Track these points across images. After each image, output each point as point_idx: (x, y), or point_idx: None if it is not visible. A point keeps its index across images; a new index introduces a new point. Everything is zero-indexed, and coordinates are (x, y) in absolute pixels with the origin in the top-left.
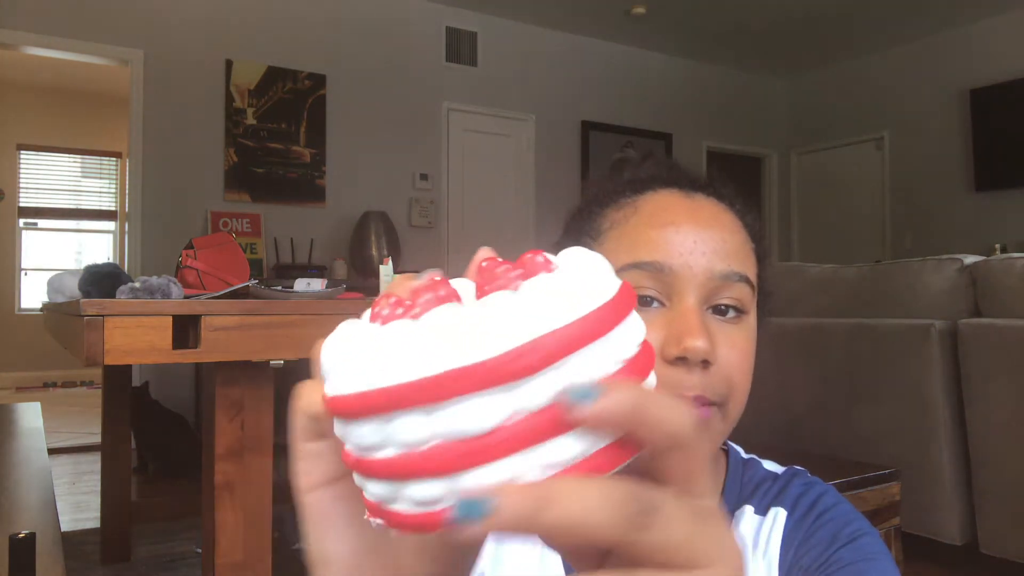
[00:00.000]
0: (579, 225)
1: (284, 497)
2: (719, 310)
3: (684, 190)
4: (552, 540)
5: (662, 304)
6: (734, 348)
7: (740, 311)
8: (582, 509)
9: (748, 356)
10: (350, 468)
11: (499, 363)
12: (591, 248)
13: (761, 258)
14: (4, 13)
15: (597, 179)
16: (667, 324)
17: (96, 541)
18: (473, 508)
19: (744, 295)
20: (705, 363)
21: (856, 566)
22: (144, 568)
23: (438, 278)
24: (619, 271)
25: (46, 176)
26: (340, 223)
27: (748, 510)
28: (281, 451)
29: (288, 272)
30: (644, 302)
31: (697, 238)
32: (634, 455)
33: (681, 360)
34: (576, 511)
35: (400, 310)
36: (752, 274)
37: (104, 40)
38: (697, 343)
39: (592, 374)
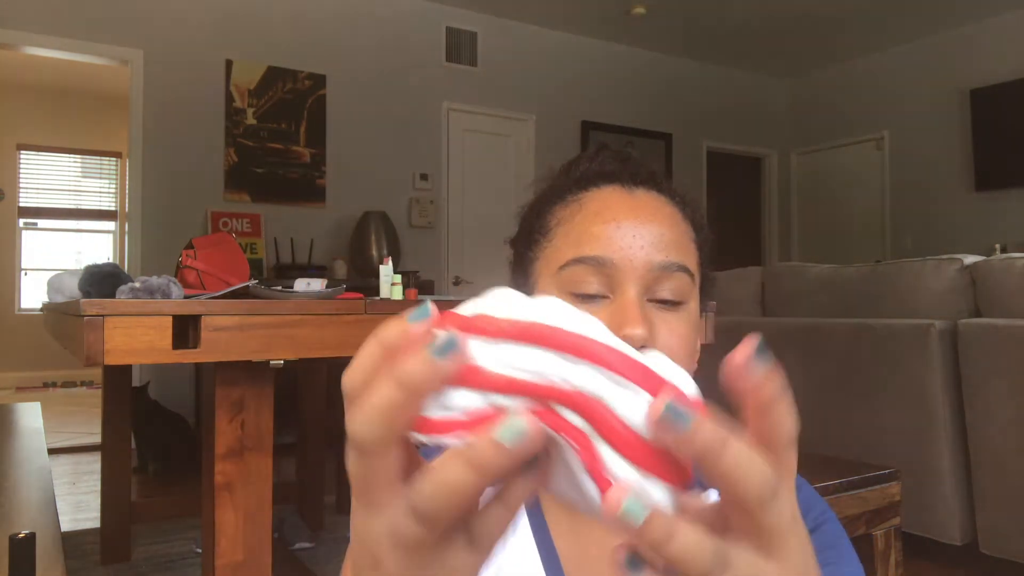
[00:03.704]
0: (530, 223)
1: (284, 497)
2: (660, 300)
3: (626, 186)
4: (711, 478)
5: (606, 297)
6: (673, 334)
7: (680, 300)
8: (742, 473)
9: (688, 341)
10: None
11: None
12: (541, 244)
13: (701, 247)
14: (4, 13)
15: (548, 175)
16: (609, 315)
17: (96, 541)
18: (682, 417)
19: (683, 284)
20: (644, 349)
21: (823, 554)
22: (144, 568)
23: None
24: (565, 266)
25: (46, 176)
26: (340, 223)
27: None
28: (281, 451)
29: (288, 272)
30: (589, 297)
31: (636, 232)
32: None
33: None
34: (738, 470)
35: None
36: (692, 264)
37: (104, 40)
38: (635, 331)
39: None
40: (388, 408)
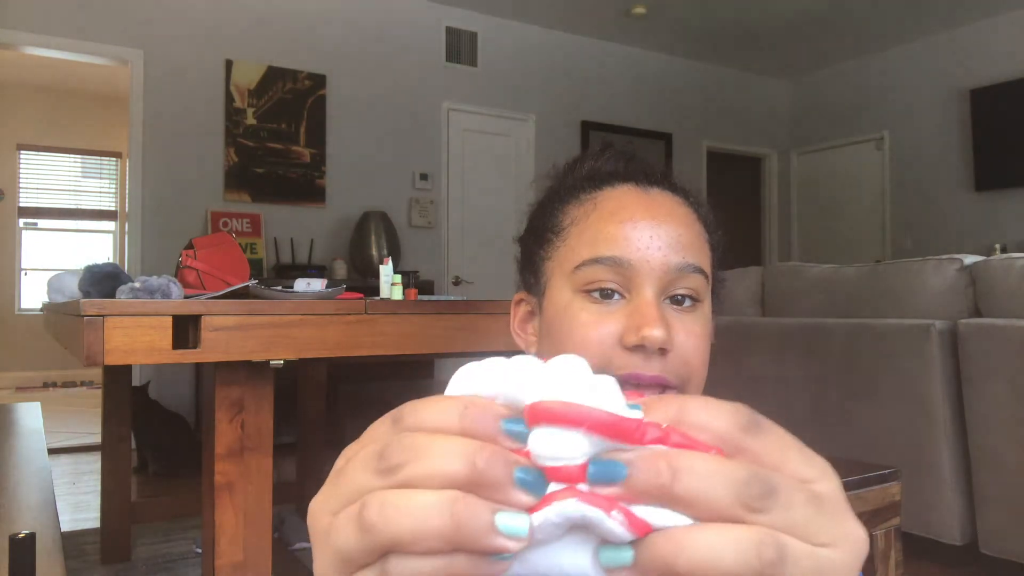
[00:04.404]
0: (540, 221)
1: (284, 497)
2: (676, 299)
3: (641, 185)
4: (681, 507)
5: (622, 296)
6: (690, 334)
7: (695, 300)
8: (705, 489)
9: (704, 341)
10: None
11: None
12: (554, 244)
13: (714, 247)
14: (4, 13)
15: (554, 173)
16: (627, 315)
17: (96, 541)
18: (609, 469)
19: (699, 285)
20: (662, 350)
21: None
22: (144, 568)
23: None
24: (580, 266)
25: (46, 176)
26: (340, 223)
27: None
28: (281, 451)
29: (288, 272)
30: (605, 295)
31: (653, 233)
32: None
33: (639, 348)
34: (699, 488)
35: None
36: (706, 264)
37: (104, 40)
38: (654, 332)
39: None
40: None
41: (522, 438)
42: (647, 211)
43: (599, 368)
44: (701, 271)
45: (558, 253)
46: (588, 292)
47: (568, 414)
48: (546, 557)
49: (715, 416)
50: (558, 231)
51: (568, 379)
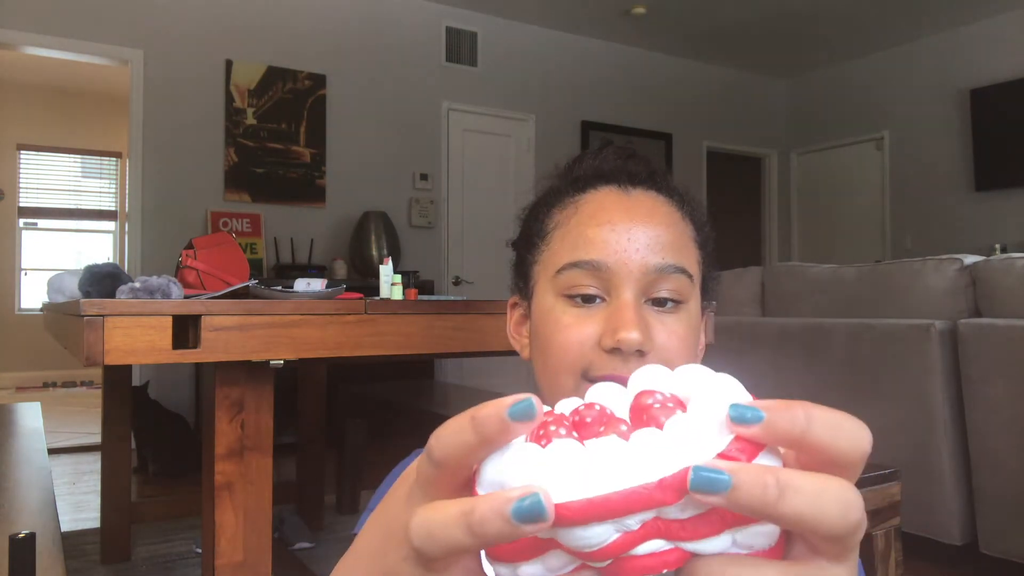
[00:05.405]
0: (529, 226)
1: (284, 497)
2: (658, 301)
3: (623, 186)
4: (788, 527)
5: (603, 300)
6: (672, 335)
7: (678, 301)
8: (818, 504)
9: (687, 342)
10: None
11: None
12: (539, 248)
13: (703, 246)
14: (4, 13)
15: (553, 173)
16: (605, 318)
17: (96, 541)
18: (714, 480)
19: (681, 285)
20: (640, 352)
21: None
22: (144, 568)
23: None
24: (561, 270)
25: (46, 176)
26: (340, 223)
27: None
28: (281, 451)
29: (288, 272)
30: (587, 299)
31: (631, 235)
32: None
33: (617, 351)
34: (813, 506)
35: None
36: (691, 263)
37: (104, 40)
38: (630, 335)
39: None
40: (449, 545)
41: (530, 414)
42: (626, 213)
43: (580, 371)
44: (684, 271)
45: (543, 257)
46: (570, 297)
47: (576, 513)
48: None
49: (850, 444)
50: (543, 235)
51: (566, 468)
